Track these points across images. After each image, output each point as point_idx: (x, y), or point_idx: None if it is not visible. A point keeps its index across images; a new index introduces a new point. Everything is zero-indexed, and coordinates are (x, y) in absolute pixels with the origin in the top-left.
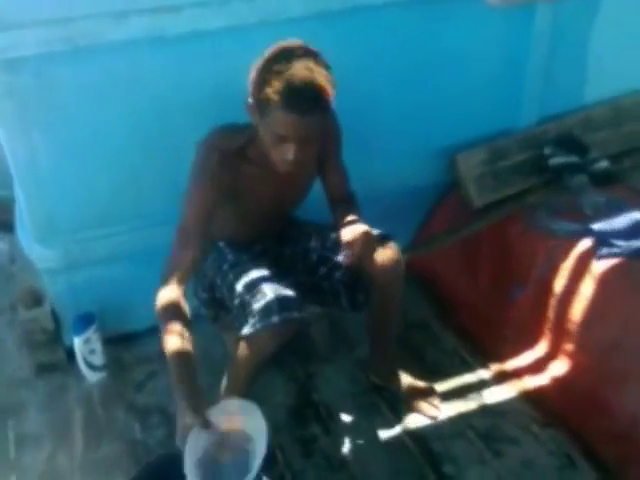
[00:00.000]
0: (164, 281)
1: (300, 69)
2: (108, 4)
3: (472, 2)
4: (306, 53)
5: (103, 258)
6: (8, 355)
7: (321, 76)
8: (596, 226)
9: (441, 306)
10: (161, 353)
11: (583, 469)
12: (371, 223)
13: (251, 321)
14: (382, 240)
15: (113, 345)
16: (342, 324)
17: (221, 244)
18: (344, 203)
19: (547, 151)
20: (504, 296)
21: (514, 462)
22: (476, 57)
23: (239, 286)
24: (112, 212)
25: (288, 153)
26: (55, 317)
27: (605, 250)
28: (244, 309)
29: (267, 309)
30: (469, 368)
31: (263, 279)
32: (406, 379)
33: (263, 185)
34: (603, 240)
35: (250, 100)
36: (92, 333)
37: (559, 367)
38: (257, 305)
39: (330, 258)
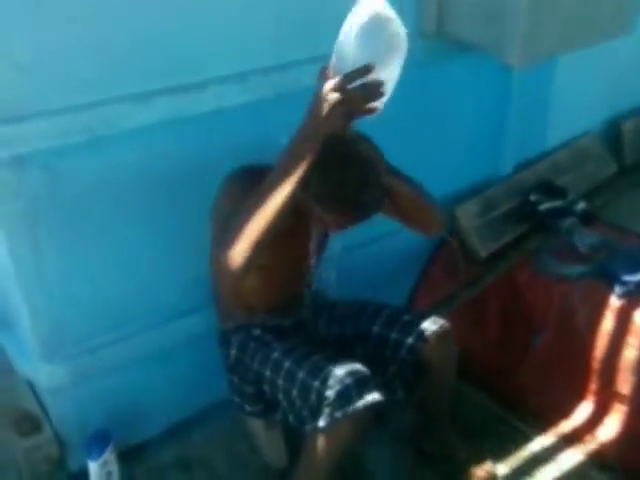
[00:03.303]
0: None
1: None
2: (129, 86)
3: (470, 69)
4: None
5: (114, 366)
6: None
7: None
8: (606, 266)
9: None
10: (177, 461)
11: None
12: (369, 285)
13: (326, 410)
14: (441, 328)
15: (122, 461)
16: None
17: (257, 332)
18: None
19: (533, 198)
20: (522, 345)
21: None
22: (466, 116)
23: (301, 374)
24: (124, 313)
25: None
26: (59, 441)
27: (621, 288)
28: (308, 399)
29: (345, 394)
30: (513, 431)
31: (330, 361)
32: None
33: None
34: (616, 279)
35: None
36: (109, 454)
37: (613, 418)
38: (331, 391)
39: (390, 338)
